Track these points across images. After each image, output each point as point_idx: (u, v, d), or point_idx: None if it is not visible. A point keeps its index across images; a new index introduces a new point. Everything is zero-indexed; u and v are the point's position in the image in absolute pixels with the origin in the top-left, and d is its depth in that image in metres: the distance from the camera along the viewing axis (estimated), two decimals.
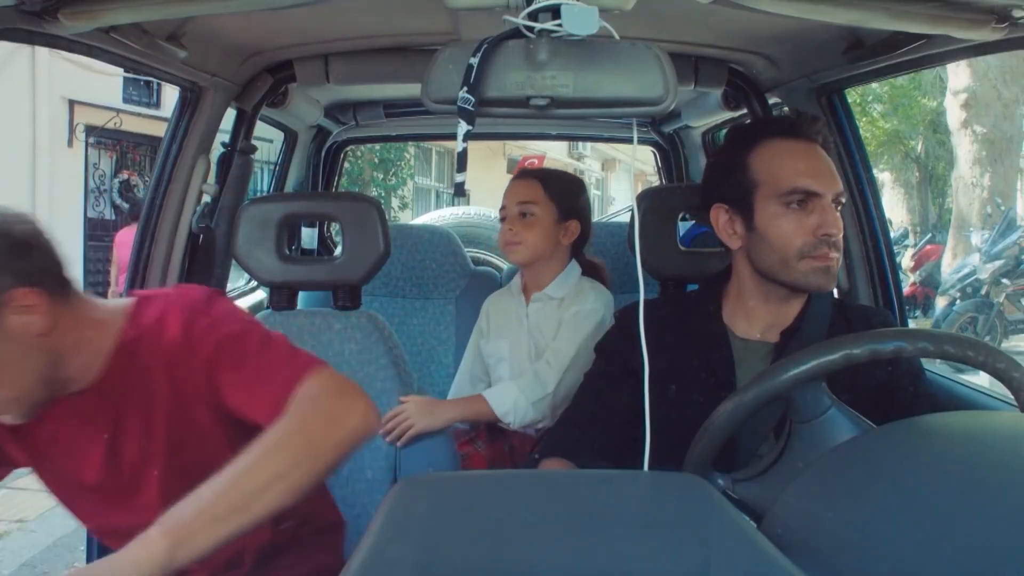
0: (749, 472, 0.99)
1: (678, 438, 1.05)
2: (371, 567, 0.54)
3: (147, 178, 7.61)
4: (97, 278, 7.57)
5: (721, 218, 1.24)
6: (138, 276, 1.56)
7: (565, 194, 1.72)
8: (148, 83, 8.22)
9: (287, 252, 1.51)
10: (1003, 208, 8.04)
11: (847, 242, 1.69)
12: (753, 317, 1.26)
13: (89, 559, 1.57)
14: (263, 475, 0.84)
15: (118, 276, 5.78)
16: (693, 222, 2.49)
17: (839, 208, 1.22)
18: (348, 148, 3.01)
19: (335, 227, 3.18)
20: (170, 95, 6.99)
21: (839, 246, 1.22)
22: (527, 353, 1.70)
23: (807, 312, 1.24)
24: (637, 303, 1.18)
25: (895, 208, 13.02)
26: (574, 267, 1.74)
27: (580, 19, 0.91)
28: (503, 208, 1.73)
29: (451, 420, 1.56)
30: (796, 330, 1.23)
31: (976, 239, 7.93)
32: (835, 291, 1.70)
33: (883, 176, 13.51)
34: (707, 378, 1.24)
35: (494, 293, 1.87)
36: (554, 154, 15.20)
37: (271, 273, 1.48)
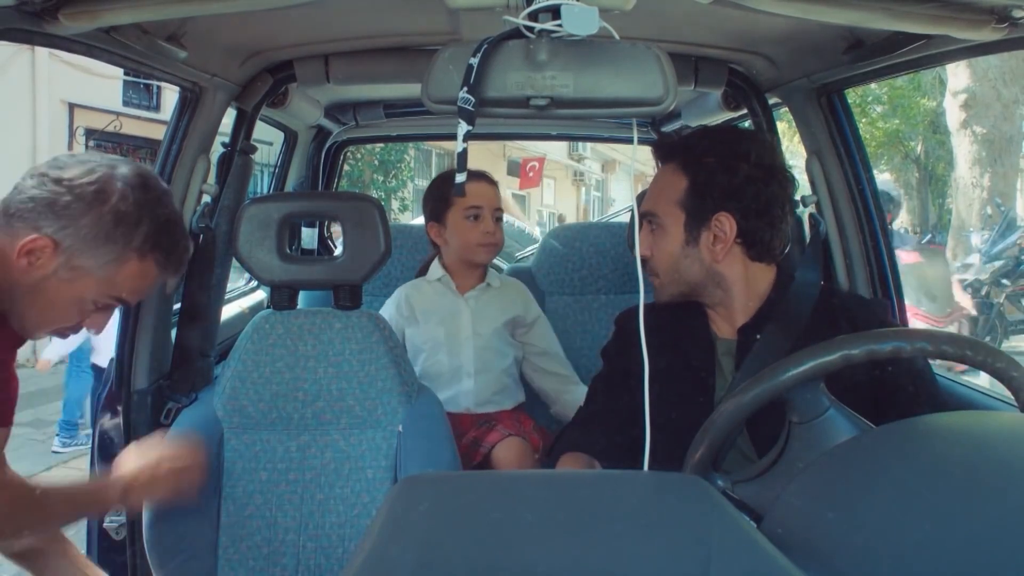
0: (748, 473, 0.99)
1: (669, 439, 1.06)
2: (371, 567, 0.54)
3: None
4: None
5: (728, 227, 1.27)
6: None
7: None
8: (148, 86, 8.23)
9: (288, 252, 1.51)
10: (1003, 209, 8.03)
11: (847, 242, 1.70)
12: (717, 318, 1.33)
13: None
14: None
15: None
16: None
17: (652, 226, 1.32)
18: (348, 148, 3.01)
19: (336, 227, 3.18)
20: (169, 98, 7.00)
21: (648, 266, 1.32)
22: (467, 336, 1.87)
23: (771, 307, 1.28)
24: (633, 308, 1.20)
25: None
26: None
27: (580, 19, 0.91)
28: (478, 208, 1.85)
29: None
30: (755, 326, 1.27)
31: (976, 240, 7.93)
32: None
33: (883, 177, 13.51)
34: (691, 378, 1.28)
35: (409, 285, 1.97)
36: (554, 156, 15.21)
37: (272, 272, 1.48)
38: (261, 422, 1.46)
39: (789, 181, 1.30)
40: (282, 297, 1.52)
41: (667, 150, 1.36)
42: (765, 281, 1.30)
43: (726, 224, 1.25)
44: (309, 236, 2.74)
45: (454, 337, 1.88)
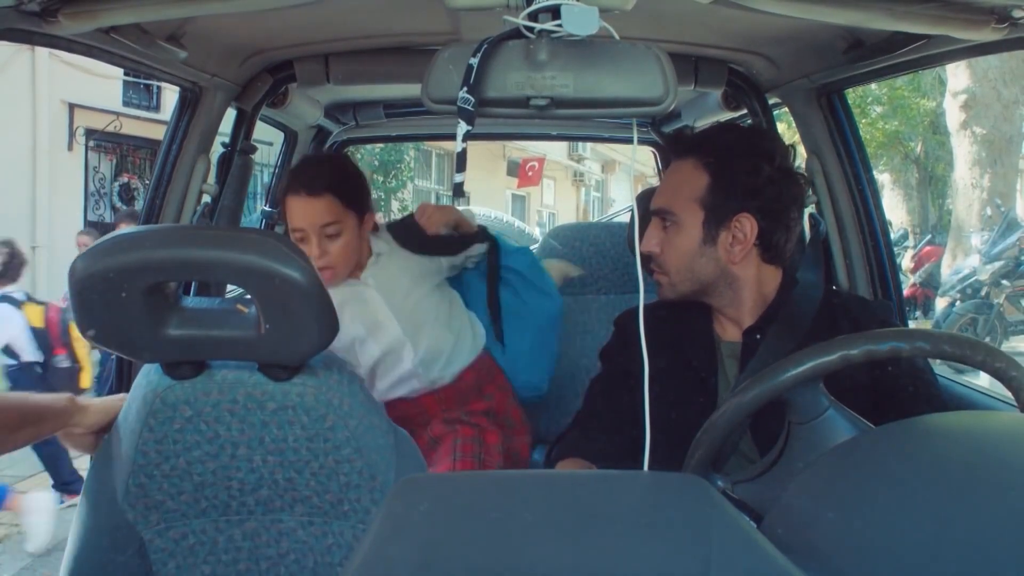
0: (748, 473, 0.99)
1: (669, 440, 1.06)
2: (371, 567, 0.54)
3: (147, 181, 7.61)
4: None
5: (749, 229, 1.25)
6: None
7: (361, 193, 1.59)
8: (148, 86, 8.24)
9: (179, 304, 1.00)
10: (1003, 209, 8.05)
11: (847, 242, 1.70)
12: (723, 319, 1.31)
13: None
14: None
15: None
16: None
17: (666, 222, 1.28)
18: (348, 148, 3.01)
19: None
20: (170, 98, 7.00)
21: (657, 263, 1.29)
22: (385, 315, 1.61)
23: (777, 310, 1.27)
24: (632, 309, 1.20)
25: (895, 209, 13.03)
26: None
27: (580, 19, 0.91)
28: (299, 230, 1.51)
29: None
30: (761, 329, 1.26)
31: (976, 240, 7.94)
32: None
33: (883, 177, 13.52)
34: (691, 378, 1.27)
35: None
36: (554, 156, 15.23)
37: (154, 350, 1.01)
38: (189, 512, 1.11)
39: (805, 184, 1.28)
40: (184, 370, 1.05)
41: (686, 145, 1.31)
42: (773, 283, 1.29)
43: (747, 225, 1.23)
44: None
45: (374, 322, 1.61)
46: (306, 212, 1.50)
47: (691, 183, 1.25)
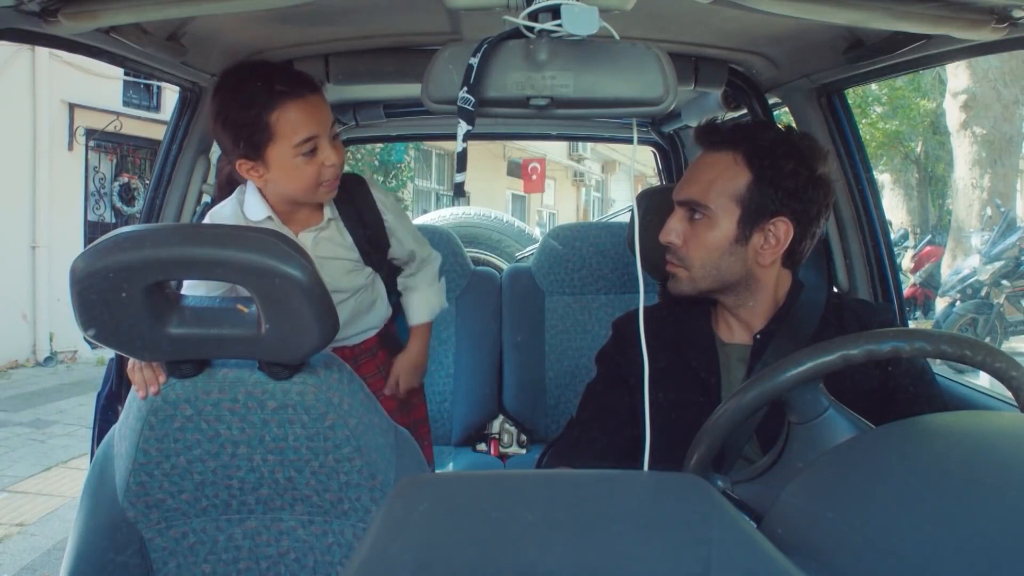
0: (748, 474, 0.99)
1: (668, 441, 1.06)
2: (371, 567, 0.54)
3: (147, 181, 7.62)
4: None
5: (784, 232, 1.21)
6: None
7: None
8: (148, 86, 8.24)
9: (180, 302, 1.00)
10: (1003, 209, 8.05)
11: (847, 242, 1.70)
12: (731, 321, 1.29)
13: None
14: None
15: None
16: None
17: (695, 215, 1.24)
18: (348, 148, 3.01)
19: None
20: (170, 98, 7.01)
21: (677, 255, 1.25)
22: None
23: (786, 313, 1.26)
24: (632, 311, 1.19)
25: (895, 210, 13.04)
26: None
27: (580, 19, 0.91)
28: (314, 137, 1.32)
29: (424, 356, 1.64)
30: (770, 332, 1.25)
31: (976, 241, 7.95)
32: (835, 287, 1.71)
33: (883, 177, 13.53)
34: (694, 381, 1.26)
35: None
36: (554, 156, 15.23)
37: (157, 348, 1.00)
38: (189, 511, 1.11)
39: (833, 192, 1.25)
40: (185, 369, 1.05)
41: (724, 138, 1.24)
42: (784, 287, 1.27)
43: (782, 229, 1.20)
44: None
45: None
46: (316, 112, 1.33)
47: (730, 178, 1.20)
